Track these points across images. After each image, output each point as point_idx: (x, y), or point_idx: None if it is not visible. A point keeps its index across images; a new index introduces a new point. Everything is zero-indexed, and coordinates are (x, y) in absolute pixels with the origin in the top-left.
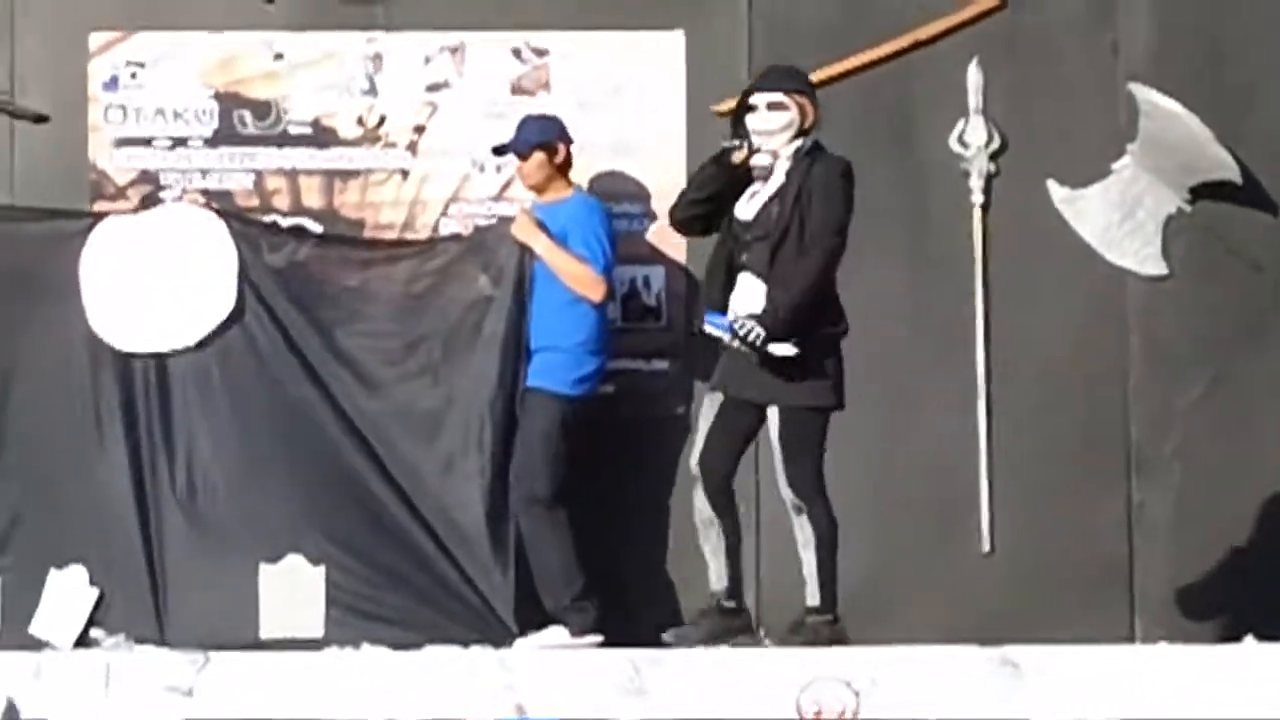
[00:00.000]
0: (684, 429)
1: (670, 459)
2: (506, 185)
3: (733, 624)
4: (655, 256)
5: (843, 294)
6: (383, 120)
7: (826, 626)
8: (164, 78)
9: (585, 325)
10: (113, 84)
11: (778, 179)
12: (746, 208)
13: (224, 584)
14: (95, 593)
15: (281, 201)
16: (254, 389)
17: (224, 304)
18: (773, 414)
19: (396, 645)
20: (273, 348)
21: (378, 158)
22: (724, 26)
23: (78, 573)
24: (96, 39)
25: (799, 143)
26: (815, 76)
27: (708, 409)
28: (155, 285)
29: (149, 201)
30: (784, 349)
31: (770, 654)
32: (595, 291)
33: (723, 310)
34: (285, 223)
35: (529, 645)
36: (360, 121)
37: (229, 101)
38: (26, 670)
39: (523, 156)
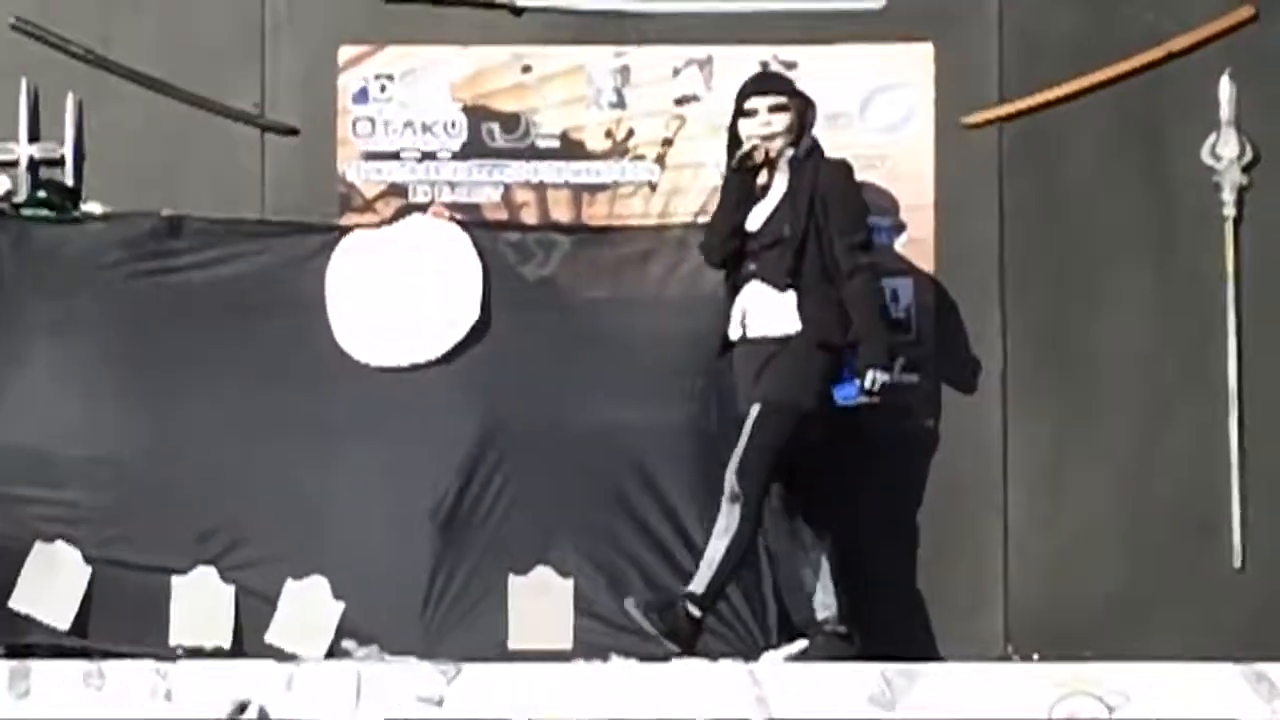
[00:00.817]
0: (933, 442)
1: (919, 472)
2: None
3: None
4: (904, 268)
5: (1092, 306)
6: (631, 133)
7: (690, 621)
8: (413, 91)
9: None
10: (362, 97)
11: (780, 185)
12: (751, 217)
13: (475, 596)
14: (340, 606)
15: (529, 214)
16: (500, 402)
17: (469, 317)
18: (754, 409)
19: (644, 657)
20: (519, 360)
21: (626, 171)
22: (974, 39)
23: (318, 584)
24: (346, 52)
25: (796, 147)
26: (1066, 89)
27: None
28: (401, 298)
29: (398, 215)
30: (909, 377)
31: (1022, 669)
32: None
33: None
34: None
35: (776, 658)
36: (608, 134)
37: (477, 114)
38: (279, 680)
39: None
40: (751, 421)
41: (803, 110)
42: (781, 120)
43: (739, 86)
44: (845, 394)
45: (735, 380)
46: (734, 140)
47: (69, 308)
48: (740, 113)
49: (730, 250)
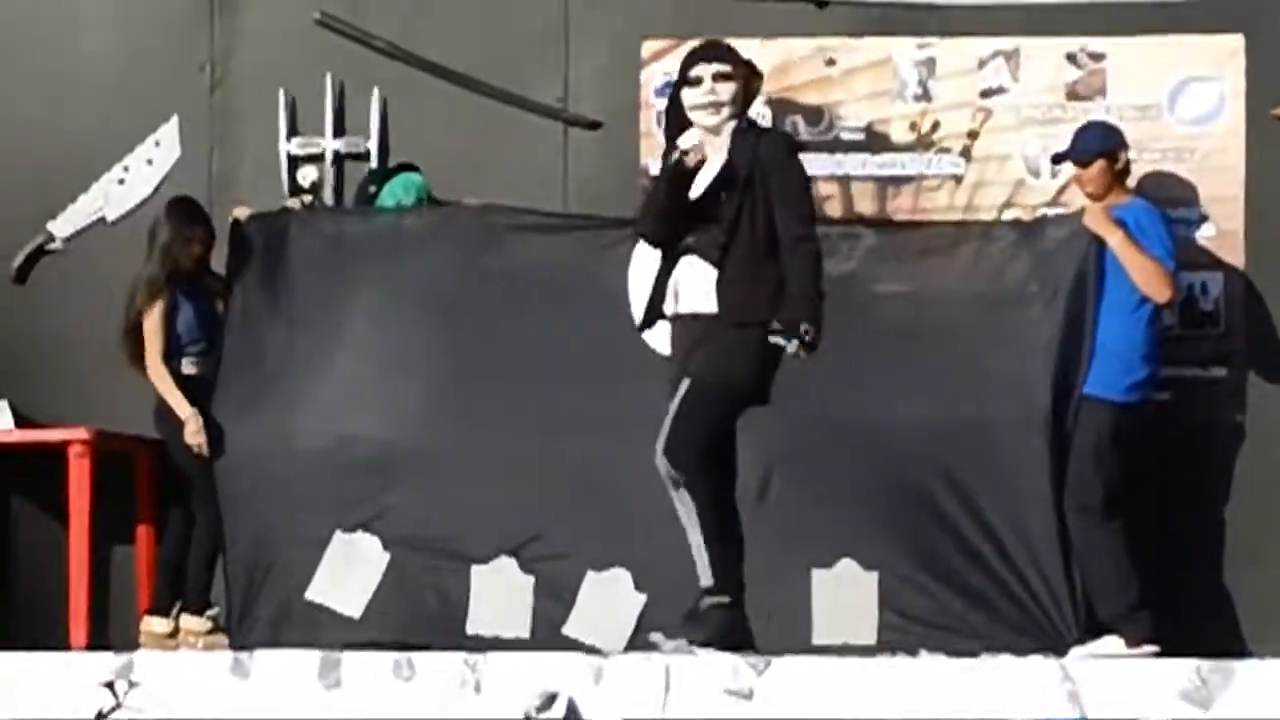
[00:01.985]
0: (1241, 437)
1: (1227, 466)
2: (1062, 190)
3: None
4: (1212, 262)
5: None
6: (936, 126)
7: (721, 610)
8: None
9: (1141, 329)
10: (665, 90)
11: (719, 157)
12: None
13: (778, 589)
14: (642, 598)
15: (834, 208)
16: (801, 396)
17: None
18: (684, 384)
19: (951, 652)
20: (821, 354)
21: (931, 163)
22: None
23: (620, 576)
24: (649, 47)
25: (739, 119)
26: None
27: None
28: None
29: None
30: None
31: None
32: (1165, 291)
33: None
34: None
35: (1083, 654)
36: (913, 127)
37: (782, 108)
38: (587, 673)
39: (1084, 164)
40: (679, 399)
41: (748, 81)
42: (726, 90)
43: (683, 62)
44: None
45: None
46: (674, 109)
47: (376, 299)
48: (685, 81)
49: (667, 235)
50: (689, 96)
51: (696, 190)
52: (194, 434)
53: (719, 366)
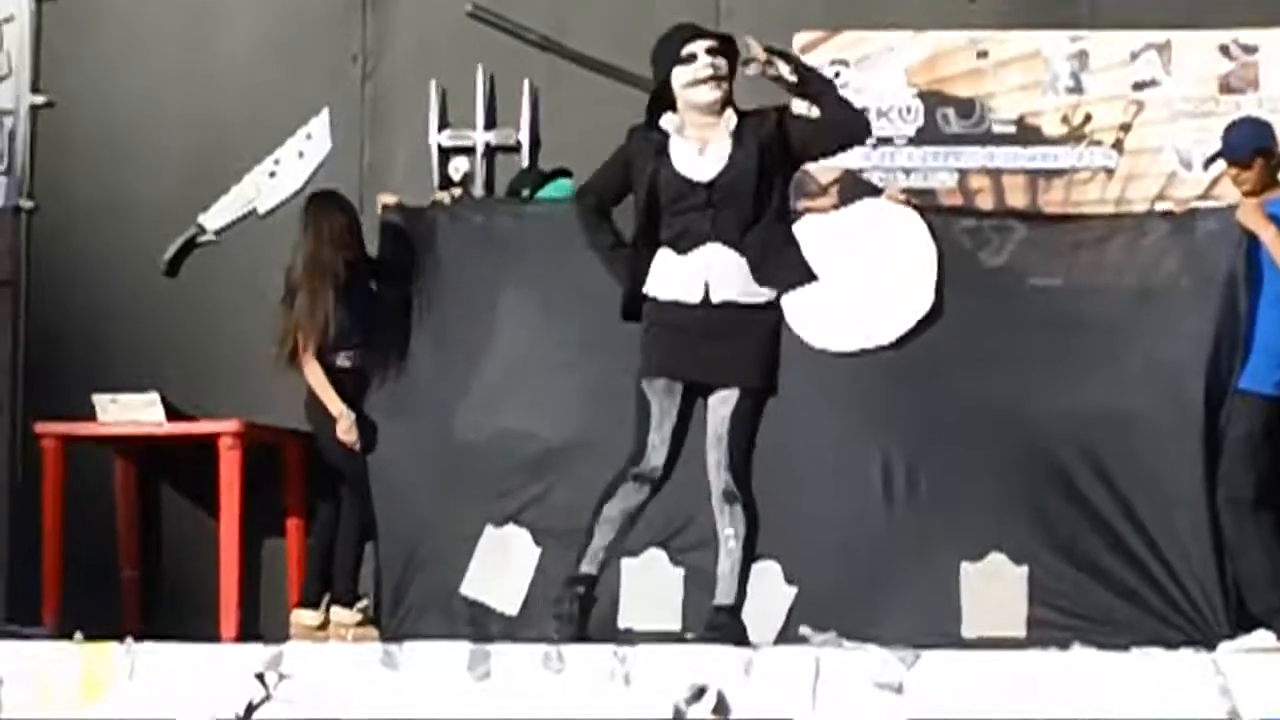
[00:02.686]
0: None
1: None
2: (1214, 184)
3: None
4: None
5: None
6: (1088, 118)
7: (734, 624)
8: (868, 76)
9: None
10: None
11: (724, 138)
12: (699, 166)
13: (927, 582)
14: (792, 591)
15: (985, 200)
16: (953, 388)
17: (923, 302)
18: (729, 395)
19: (1101, 645)
20: (973, 348)
21: (1082, 156)
22: None
23: (770, 569)
24: (801, 38)
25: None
26: None
27: (655, 402)
28: (853, 283)
29: (849, 200)
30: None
31: None
32: None
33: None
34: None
35: (1234, 648)
36: (1065, 119)
37: (933, 100)
38: (737, 665)
39: (1241, 162)
40: (733, 411)
41: (733, 58)
42: (722, 63)
43: (664, 46)
44: None
45: (678, 345)
46: (657, 101)
47: (528, 293)
48: (678, 60)
49: (603, 208)
50: (686, 74)
51: (709, 169)
52: (346, 431)
53: (765, 369)
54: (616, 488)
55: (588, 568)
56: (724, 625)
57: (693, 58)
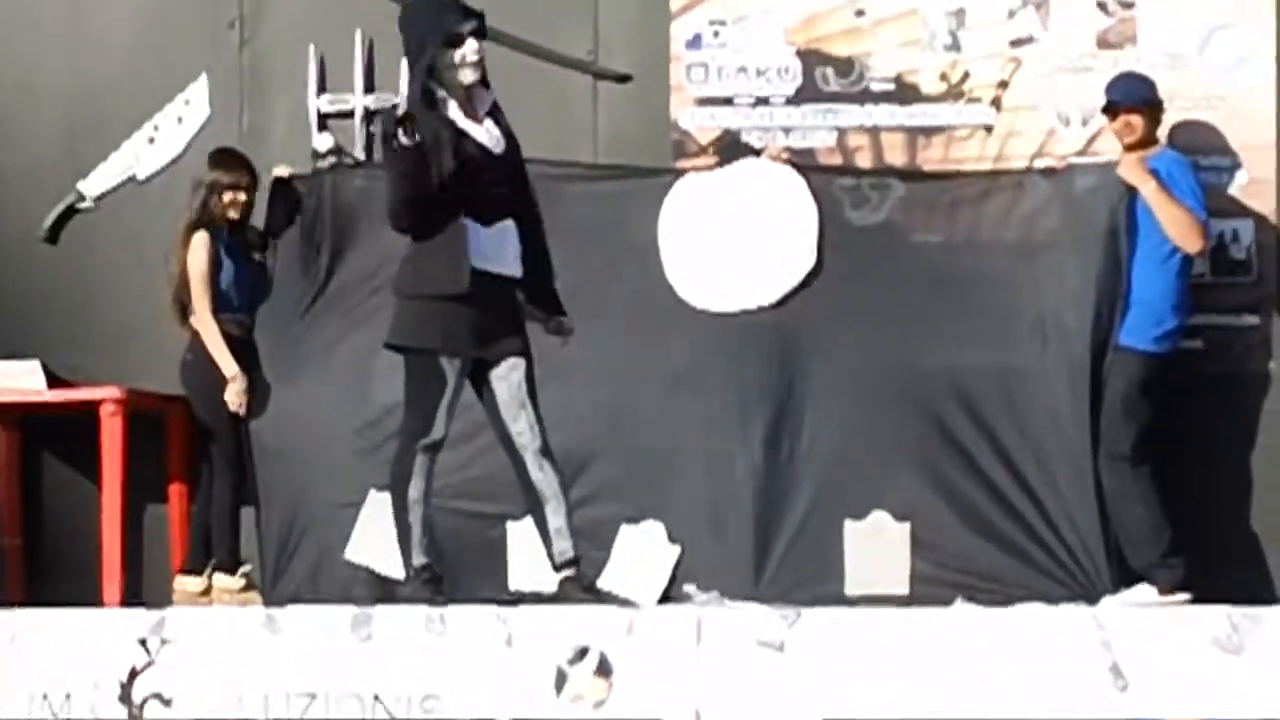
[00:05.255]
0: (1268, 383)
1: (1255, 414)
2: (1092, 140)
3: None
4: (1243, 210)
5: None
6: (966, 76)
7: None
8: (747, 36)
9: (1171, 280)
10: (695, 43)
11: (486, 103)
12: (490, 136)
13: (810, 540)
14: (676, 549)
15: (864, 159)
16: (834, 346)
17: (804, 262)
18: (517, 364)
19: (984, 602)
20: (853, 306)
21: (961, 114)
22: None
23: (654, 529)
24: (679, 0)
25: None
26: None
27: (451, 376)
28: (734, 243)
29: (728, 160)
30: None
31: None
32: (1196, 241)
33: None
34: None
35: (1115, 603)
36: (943, 77)
37: (811, 59)
38: (619, 625)
39: (1134, 110)
40: (522, 379)
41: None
42: (480, 48)
43: (431, 20)
44: None
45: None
46: (428, 77)
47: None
48: (448, 42)
49: (421, 218)
50: (454, 56)
51: (499, 141)
52: (237, 394)
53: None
54: (409, 468)
55: (422, 558)
56: (583, 577)
57: (460, 40)
